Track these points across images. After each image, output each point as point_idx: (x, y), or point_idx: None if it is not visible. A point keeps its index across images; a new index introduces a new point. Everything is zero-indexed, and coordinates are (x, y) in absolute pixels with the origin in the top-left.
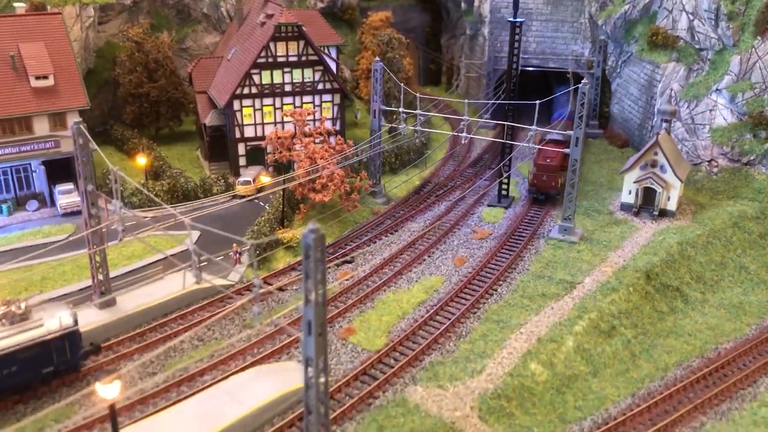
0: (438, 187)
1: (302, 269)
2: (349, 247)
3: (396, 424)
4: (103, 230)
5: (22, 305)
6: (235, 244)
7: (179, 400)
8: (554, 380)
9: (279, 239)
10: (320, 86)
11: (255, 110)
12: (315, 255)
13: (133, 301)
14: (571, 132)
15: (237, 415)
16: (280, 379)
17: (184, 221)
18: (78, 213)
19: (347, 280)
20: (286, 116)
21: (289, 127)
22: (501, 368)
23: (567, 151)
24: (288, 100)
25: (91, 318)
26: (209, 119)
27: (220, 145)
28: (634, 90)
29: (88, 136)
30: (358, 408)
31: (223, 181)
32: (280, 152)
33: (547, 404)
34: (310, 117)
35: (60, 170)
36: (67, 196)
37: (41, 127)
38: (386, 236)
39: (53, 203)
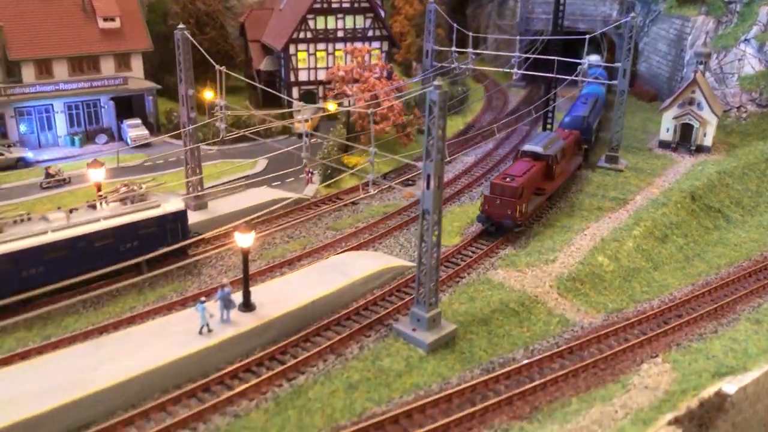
0: (483, 130)
1: (425, 125)
2: (410, 174)
3: (485, 295)
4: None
5: (143, 187)
6: (307, 164)
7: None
8: (620, 271)
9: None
10: (370, 33)
11: (309, 55)
12: (438, 111)
13: (222, 206)
14: (554, 144)
15: (345, 282)
16: (374, 260)
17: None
18: (145, 145)
19: (413, 197)
20: (348, 52)
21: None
22: (572, 259)
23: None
24: (339, 45)
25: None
26: (264, 65)
27: (273, 89)
28: (662, 46)
29: (193, 40)
30: (448, 284)
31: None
32: (339, 89)
33: (616, 288)
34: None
35: (125, 108)
36: (135, 130)
37: (107, 67)
38: (451, 162)
39: (120, 137)
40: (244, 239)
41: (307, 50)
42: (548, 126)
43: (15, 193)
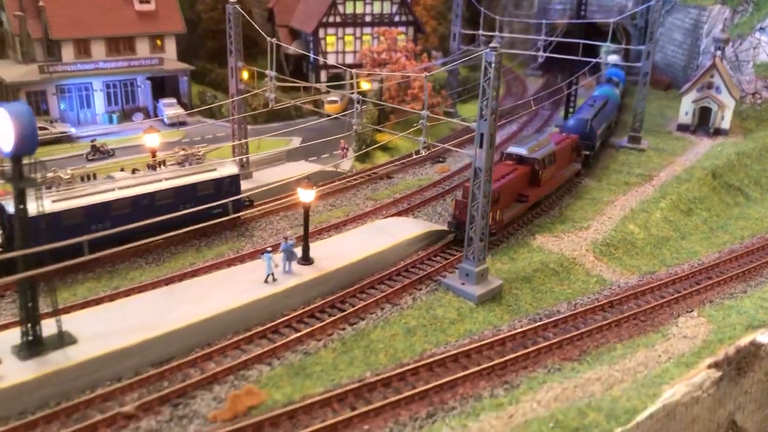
0: (504, 114)
1: (480, 85)
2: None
3: (525, 257)
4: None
5: (201, 151)
6: (342, 140)
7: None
8: (650, 239)
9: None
10: (396, 18)
11: (338, 39)
12: (494, 72)
13: (266, 176)
14: (543, 147)
15: (392, 242)
16: (416, 224)
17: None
18: (180, 124)
19: (445, 173)
20: (380, 34)
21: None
22: (604, 226)
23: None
24: (367, 30)
25: None
26: (292, 48)
27: (300, 74)
28: (678, 35)
29: (242, 12)
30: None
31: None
32: (371, 69)
33: (647, 254)
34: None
35: (159, 88)
36: (171, 108)
37: (142, 48)
38: (470, 144)
39: (155, 116)
40: (307, 195)
41: (336, 34)
42: (570, 111)
43: (63, 165)
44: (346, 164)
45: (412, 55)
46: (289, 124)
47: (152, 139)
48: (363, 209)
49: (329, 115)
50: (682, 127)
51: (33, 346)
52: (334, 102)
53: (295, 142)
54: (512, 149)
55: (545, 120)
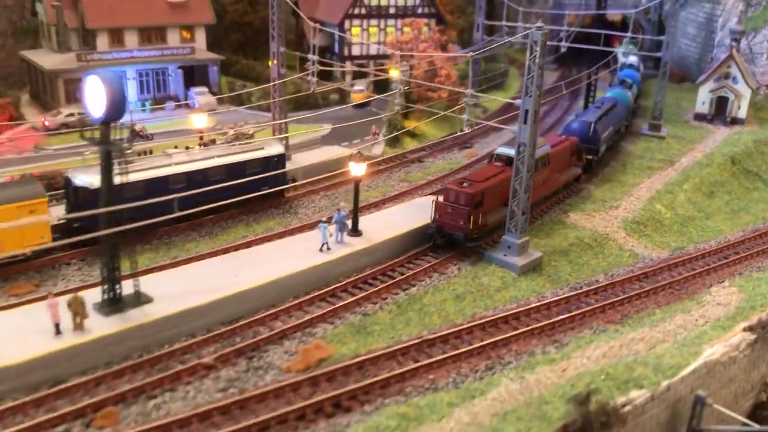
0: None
1: (526, 64)
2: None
3: (561, 233)
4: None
5: (251, 130)
6: (373, 126)
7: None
8: (676, 218)
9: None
10: (419, 10)
11: (362, 30)
12: (540, 51)
13: (305, 158)
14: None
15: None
16: None
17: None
18: (210, 112)
19: (473, 158)
20: (407, 24)
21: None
22: (633, 206)
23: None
24: (390, 22)
25: None
26: (317, 40)
27: (323, 65)
28: (691, 29)
29: (294, 5)
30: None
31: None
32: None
33: (675, 232)
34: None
35: (189, 77)
36: (202, 97)
37: (173, 38)
38: (494, 132)
39: (186, 105)
40: (358, 168)
41: (361, 25)
42: (590, 101)
43: None
44: (378, 148)
45: (437, 45)
46: (317, 111)
47: (199, 120)
48: (399, 190)
49: (355, 103)
50: (699, 117)
51: (114, 304)
52: (360, 91)
53: (326, 128)
54: (501, 150)
55: (565, 110)
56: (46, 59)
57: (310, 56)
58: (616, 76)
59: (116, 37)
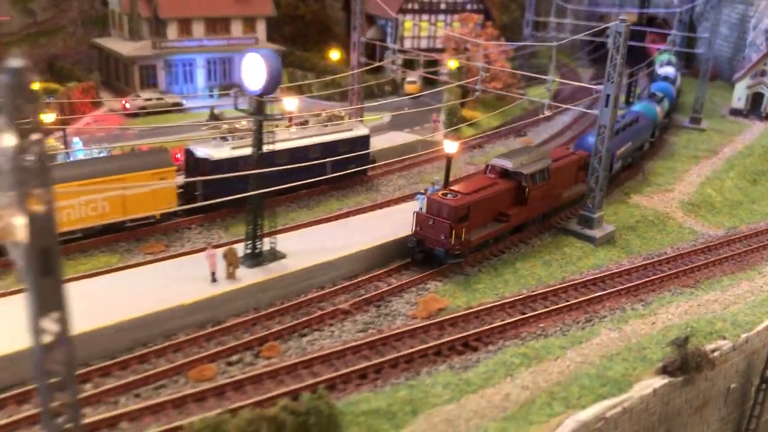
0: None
1: (610, 56)
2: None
3: (626, 212)
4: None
5: (343, 112)
6: (434, 114)
7: None
8: (726, 201)
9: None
10: (468, 6)
11: (414, 25)
12: (622, 42)
13: (378, 142)
14: (537, 161)
15: None
16: None
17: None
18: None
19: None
20: (462, 20)
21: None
22: (686, 189)
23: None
24: (440, 17)
25: None
26: (369, 33)
27: (373, 58)
28: (724, 29)
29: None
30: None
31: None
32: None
33: (726, 213)
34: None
35: None
36: None
37: (236, 29)
38: (546, 122)
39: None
40: (451, 146)
41: (413, 20)
42: (630, 100)
43: (184, 130)
44: (439, 136)
45: (490, 38)
46: (380, 101)
47: (291, 103)
48: (466, 171)
49: (409, 95)
50: (735, 112)
51: (256, 258)
52: (413, 83)
53: (386, 117)
54: (496, 161)
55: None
56: (123, 47)
57: (391, 45)
58: (647, 88)
59: (185, 27)
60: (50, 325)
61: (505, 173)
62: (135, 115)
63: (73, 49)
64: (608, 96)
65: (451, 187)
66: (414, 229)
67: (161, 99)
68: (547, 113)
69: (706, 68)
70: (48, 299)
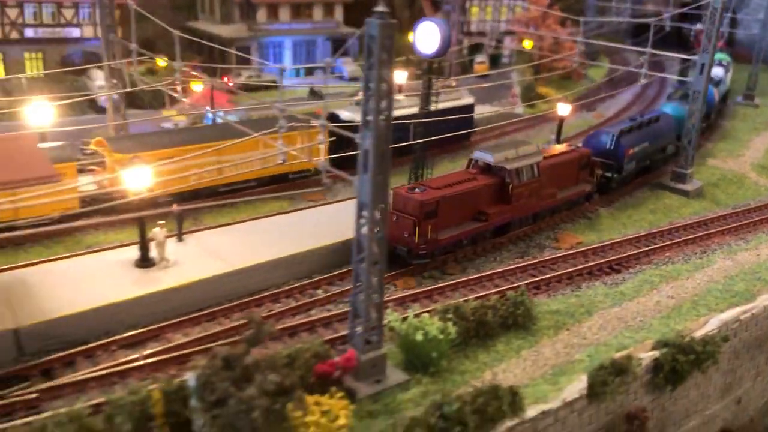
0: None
1: (705, 28)
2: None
3: (707, 171)
4: None
5: (454, 83)
6: (513, 89)
7: None
8: None
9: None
10: None
11: (480, 10)
12: (718, 17)
13: None
14: (526, 157)
15: None
16: None
17: None
18: (356, 79)
19: (600, 118)
20: (532, 2)
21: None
22: (755, 154)
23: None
24: (504, 1)
25: None
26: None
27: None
28: (762, 15)
29: None
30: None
31: None
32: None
33: None
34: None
35: (335, 49)
36: (350, 65)
37: (317, 13)
38: (610, 98)
39: (332, 72)
40: (564, 109)
41: (479, 4)
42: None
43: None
44: (520, 109)
45: (558, 20)
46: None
47: (400, 77)
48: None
49: (477, 74)
50: None
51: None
52: (482, 62)
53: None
54: (477, 155)
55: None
56: (217, 29)
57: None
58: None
59: (273, 11)
60: (377, 214)
61: (487, 168)
62: (233, 93)
63: (164, 32)
64: (702, 65)
65: (422, 181)
66: None
67: (259, 77)
68: (644, 81)
69: (759, 50)
70: (379, 194)
